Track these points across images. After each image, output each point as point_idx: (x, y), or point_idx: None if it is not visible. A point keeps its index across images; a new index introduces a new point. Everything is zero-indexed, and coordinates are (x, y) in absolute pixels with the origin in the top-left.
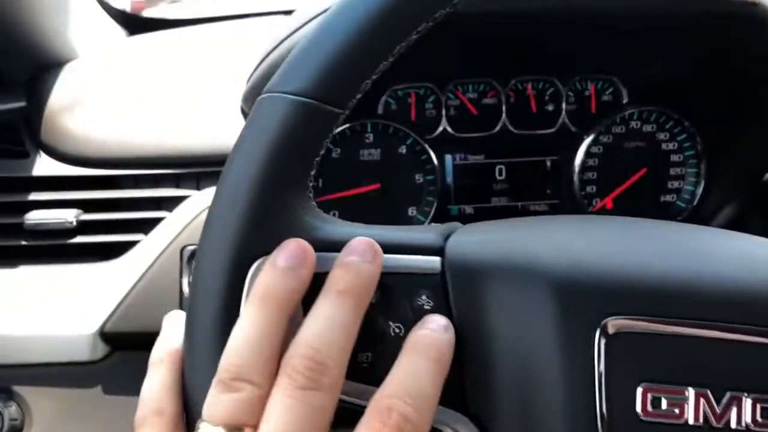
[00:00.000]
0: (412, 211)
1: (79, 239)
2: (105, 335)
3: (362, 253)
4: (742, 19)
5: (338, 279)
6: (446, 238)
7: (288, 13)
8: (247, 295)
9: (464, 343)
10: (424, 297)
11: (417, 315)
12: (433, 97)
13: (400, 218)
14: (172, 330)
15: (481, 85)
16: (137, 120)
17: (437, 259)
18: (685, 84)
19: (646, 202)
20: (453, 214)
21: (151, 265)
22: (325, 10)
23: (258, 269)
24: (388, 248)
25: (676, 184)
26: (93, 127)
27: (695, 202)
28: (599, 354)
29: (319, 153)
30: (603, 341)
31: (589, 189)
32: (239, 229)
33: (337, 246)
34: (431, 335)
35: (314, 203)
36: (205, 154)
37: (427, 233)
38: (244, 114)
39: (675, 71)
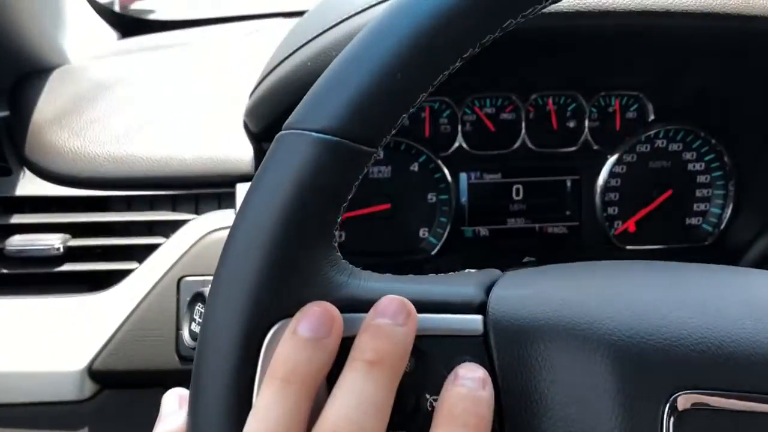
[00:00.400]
0: (423, 233)
1: (67, 267)
2: (93, 373)
3: (393, 314)
4: None
5: (366, 346)
6: (487, 290)
7: (292, 15)
8: (263, 369)
9: (511, 414)
10: (464, 363)
11: None
12: (448, 111)
13: (410, 240)
14: (174, 411)
15: (500, 99)
16: (131, 135)
17: (479, 318)
18: (716, 102)
19: (670, 225)
20: (467, 236)
21: (145, 297)
22: (342, 21)
23: (275, 337)
24: (422, 306)
25: (702, 206)
26: (82, 141)
27: (722, 226)
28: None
29: (348, 198)
30: (672, 418)
31: (611, 210)
32: (254, 288)
33: (366, 305)
34: (467, 396)
35: (339, 254)
36: (204, 174)
37: (465, 287)
38: (247, 129)
39: (708, 89)
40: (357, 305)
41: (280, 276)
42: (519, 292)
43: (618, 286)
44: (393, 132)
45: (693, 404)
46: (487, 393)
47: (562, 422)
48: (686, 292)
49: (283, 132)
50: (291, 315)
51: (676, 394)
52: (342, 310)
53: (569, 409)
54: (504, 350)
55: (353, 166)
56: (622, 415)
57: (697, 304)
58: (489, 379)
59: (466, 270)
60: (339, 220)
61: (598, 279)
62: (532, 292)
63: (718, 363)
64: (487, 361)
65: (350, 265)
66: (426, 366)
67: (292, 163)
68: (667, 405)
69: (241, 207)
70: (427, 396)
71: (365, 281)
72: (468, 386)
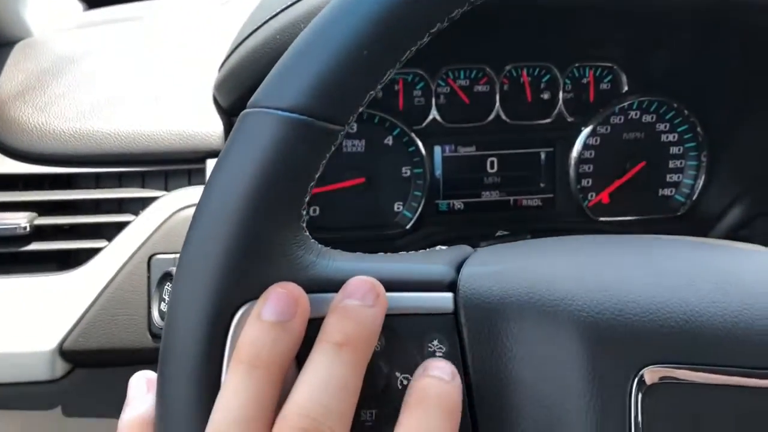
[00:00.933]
0: (398, 207)
1: (34, 246)
2: (64, 352)
3: (362, 296)
4: (760, 6)
5: (335, 328)
6: (458, 268)
7: None
8: (231, 353)
9: (481, 392)
10: (435, 342)
11: None
12: (422, 84)
13: (385, 214)
14: (141, 395)
15: (474, 71)
16: (97, 110)
17: (449, 296)
18: (689, 72)
19: (643, 196)
20: (441, 210)
21: (116, 276)
22: None
23: (242, 320)
24: (392, 285)
25: (675, 177)
26: (47, 117)
27: (695, 197)
28: (635, 407)
29: (315, 177)
30: (640, 393)
31: (584, 182)
32: (219, 270)
33: (335, 285)
34: (440, 384)
35: (308, 234)
36: (174, 149)
37: (435, 265)
38: (217, 103)
39: (681, 60)
40: (325, 285)
41: (246, 258)
42: (489, 270)
43: (587, 262)
44: (360, 109)
45: (661, 378)
46: (457, 384)
47: (531, 399)
48: (655, 267)
49: (247, 110)
50: (258, 297)
51: (644, 369)
52: (310, 291)
53: (539, 385)
54: (474, 328)
55: (320, 145)
56: (592, 390)
57: (665, 280)
58: (458, 374)
59: (437, 247)
60: (306, 199)
61: (568, 255)
62: (502, 269)
63: (685, 338)
64: (457, 340)
65: (319, 245)
66: (396, 344)
67: (257, 143)
68: (636, 379)
69: (205, 188)
70: (398, 374)
71: (334, 261)
72: (439, 376)
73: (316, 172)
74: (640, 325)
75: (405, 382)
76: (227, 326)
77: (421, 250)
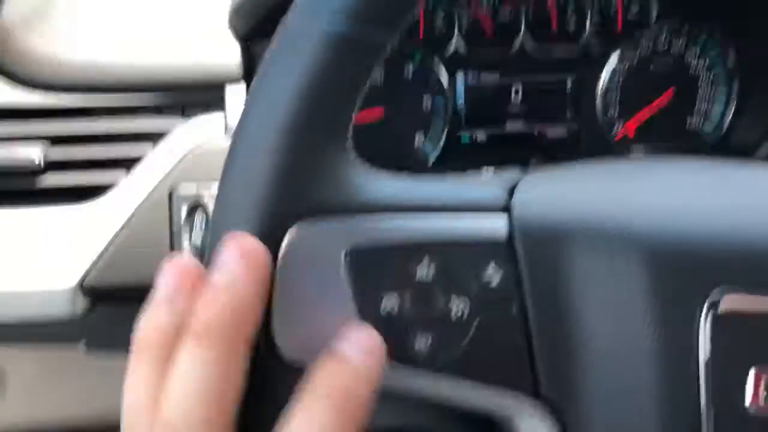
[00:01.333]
0: (419, 139)
1: (49, 180)
2: (86, 289)
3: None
4: None
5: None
6: (510, 192)
7: None
8: (282, 272)
9: (539, 323)
10: (489, 270)
11: (484, 292)
12: (444, 10)
13: (405, 146)
14: (171, 297)
15: None
16: (109, 36)
17: (503, 220)
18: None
19: (671, 127)
20: (464, 142)
21: (136, 209)
22: None
23: (292, 240)
24: (442, 207)
25: (704, 106)
26: (57, 45)
27: (725, 128)
28: (705, 335)
29: (362, 94)
30: (709, 320)
31: (611, 113)
32: (269, 188)
33: (384, 207)
34: (341, 368)
35: (354, 154)
36: (190, 78)
37: (486, 189)
38: (234, 29)
39: None
40: (374, 207)
41: (296, 176)
42: (545, 193)
43: (648, 186)
44: (409, 21)
45: (730, 306)
46: (369, 364)
47: (594, 325)
48: (718, 189)
49: (289, 17)
50: (308, 216)
51: (715, 296)
52: (359, 211)
53: (602, 312)
54: (531, 254)
55: (367, 58)
56: (657, 320)
57: (731, 202)
58: (380, 346)
59: (484, 169)
60: (354, 116)
61: (626, 178)
62: (559, 192)
63: (755, 264)
64: (512, 267)
65: (365, 164)
66: (450, 271)
67: (302, 56)
68: (704, 308)
69: (247, 102)
70: (454, 296)
71: (383, 182)
72: (346, 357)
73: (363, 87)
74: (707, 251)
75: (462, 305)
76: (277, 248)
77: (467, 174)
